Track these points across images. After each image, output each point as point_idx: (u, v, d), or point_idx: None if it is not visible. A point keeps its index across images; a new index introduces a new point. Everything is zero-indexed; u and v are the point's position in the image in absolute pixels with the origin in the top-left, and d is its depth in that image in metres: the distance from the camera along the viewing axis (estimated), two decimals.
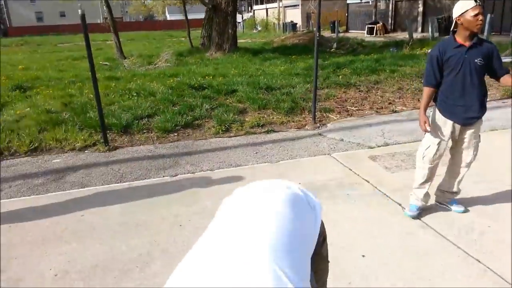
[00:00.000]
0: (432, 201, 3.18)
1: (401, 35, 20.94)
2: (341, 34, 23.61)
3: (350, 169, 4.04)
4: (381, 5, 27.44)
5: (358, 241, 2.78)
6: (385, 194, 3.45)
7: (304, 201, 1.12)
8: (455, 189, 3.07)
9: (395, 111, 6.13)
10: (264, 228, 0.95)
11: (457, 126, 2.84)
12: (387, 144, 4.73)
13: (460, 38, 2.72)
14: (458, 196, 3.14)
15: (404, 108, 6.24)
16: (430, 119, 2.88)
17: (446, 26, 19.26)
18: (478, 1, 2.61)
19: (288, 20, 39.30)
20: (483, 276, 2.36)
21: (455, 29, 2.75)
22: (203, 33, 15.61)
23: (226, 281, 0.78)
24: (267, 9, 46.72)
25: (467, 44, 2.70)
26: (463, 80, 2.72)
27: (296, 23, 36.31)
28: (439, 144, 2.88)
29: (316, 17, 5.97)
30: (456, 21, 2.69)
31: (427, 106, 2.88)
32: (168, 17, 56.22)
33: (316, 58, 5.69)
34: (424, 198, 3.03)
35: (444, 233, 2.82)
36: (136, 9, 58.24)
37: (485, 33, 12.28)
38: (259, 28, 38.76)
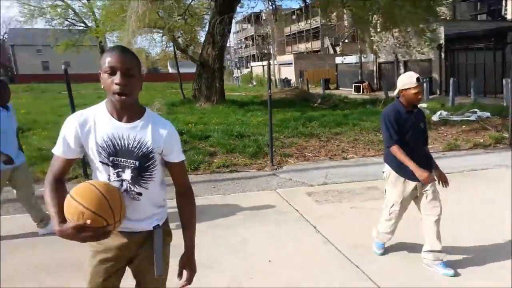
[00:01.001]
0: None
1: (385, 94, 22.31)
2: (330, 91, 25.18)
3: (287, 201, 4.77)
4: (370, 66, 29.33)
5: (271, 251, 3.46)
6: (306, 219, 4.16)
7: None
8: (438, 247, 3.02)
9: (346, 158, 6.94)
10: None
11: (418, 184, 3.01)
12: (325, 184, 5.49)
13: (406, 104, 3.02)
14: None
15: (354, 156, 7.05)
16: (388, 180, 3.13)
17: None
18: (421, 79, 2.93)
19: (283, 76, 41.47)
20: (355, 277, 3.04)
21: (398, 96, 3.06)
22: (194, 86, 16.86)
23: None
24: (263, 66, 49.21)
25: (413, 110, 3.04)
26: (414, 141, 3.01)
27: (290, 79, 38.31)
28: (402, 202, 3.10)
29: (267, 74, 6.97)
30: (399, 92, 3.02)
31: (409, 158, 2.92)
32: (170, 70, 58.91)
33: (270, 111, 6.68)
34: (389, 237, 3.29)
35: (339, 246, 3.51)
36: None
37: (450, 95, 13.41)
38: (254, 83, 40.74)
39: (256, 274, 3.07)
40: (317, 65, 39.98)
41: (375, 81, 27.79)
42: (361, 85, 26.59)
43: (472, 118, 9.00)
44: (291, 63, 42.25)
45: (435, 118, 9.36)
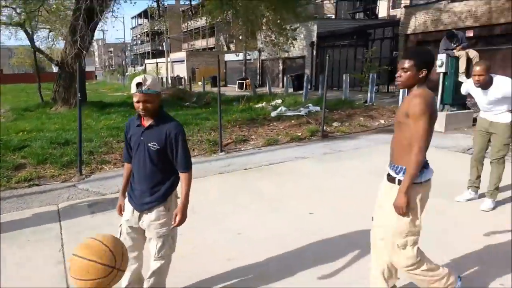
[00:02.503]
0: None
1: (266, 90, 23.06)
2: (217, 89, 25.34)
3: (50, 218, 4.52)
4: (254, 63, 30.18)
5: None
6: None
7: None
8: None
9: None
10: None
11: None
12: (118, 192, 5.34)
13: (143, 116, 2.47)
14: None
15: None
16: None
17: (298, 82, 21.87)
18: (141, 87, 2.32)
19: (176, 74, 40.77)
20: None
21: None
22: (54, 88, 15.61)
23: None
24: (157, 63, 47.86)
25: (146, 124, 2.44)
26: (138, 164, 2.51)
27: (182, 77, 37.74)
28: (120, 226, 2.63)
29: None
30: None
31: (124, 184, 2.68)
32: (54, 70, 54.31)
33: (79, 114, 6.32)
34: None
35: None
36: (18, 61, 55.39)
37: (304, 91, 14.25)
38: None
39: None
40: (209, 63, 40.00)
41: (257, 77, 28.69)
42: (245, 81, 27.27)
43: (302, 113, 9.64)
44: (184, 60, 41.73)
45: (273, 114, 9.84)
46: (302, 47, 24.01)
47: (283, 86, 25.37)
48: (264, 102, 14.06)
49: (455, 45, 8.16)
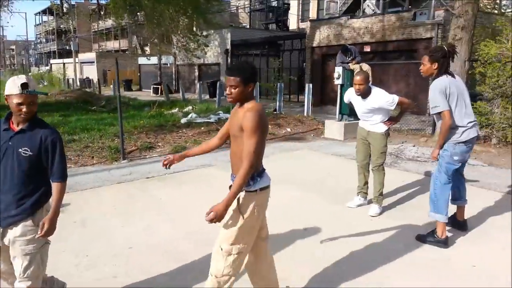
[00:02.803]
0: None
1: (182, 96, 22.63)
2: (132, 93, 24.36)
3: None
4: (170, 68, 29.48)
5: None
6: None
7: None
8: None
9: None
10: None
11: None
12: None
13: (13, 119, 2.29)
14: None
15: (71, 166, 6.52)
16: None
17: (213, 89, 21.86)
18: (27, 88, 2.18)
19: (85, 75, 38.24)
20: None
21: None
22: None
23: None
24: (64, 63, 44.43)
25: (17, 128, 2.26)
26: (5, 172, 2.28)
27: (92, 79, 35.47)
28: None
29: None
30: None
31: None
32: None
33: None
34: None
35: None
36: None
37: (217, 97, 14.25)
38: (45, 83, 36.22)
39: None
40: (122, 65, 38.15)
41: (173, 83, 28.12)
42: (159, 86, 26.53)
43: (212, 120, 9.65)
44: (94, 62, 39.32)
45: (183, 121, 9.68)
46: (217, 54, 24.10)
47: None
48: (177, 108, 13.80)
49: (349, 59, 8.79)
